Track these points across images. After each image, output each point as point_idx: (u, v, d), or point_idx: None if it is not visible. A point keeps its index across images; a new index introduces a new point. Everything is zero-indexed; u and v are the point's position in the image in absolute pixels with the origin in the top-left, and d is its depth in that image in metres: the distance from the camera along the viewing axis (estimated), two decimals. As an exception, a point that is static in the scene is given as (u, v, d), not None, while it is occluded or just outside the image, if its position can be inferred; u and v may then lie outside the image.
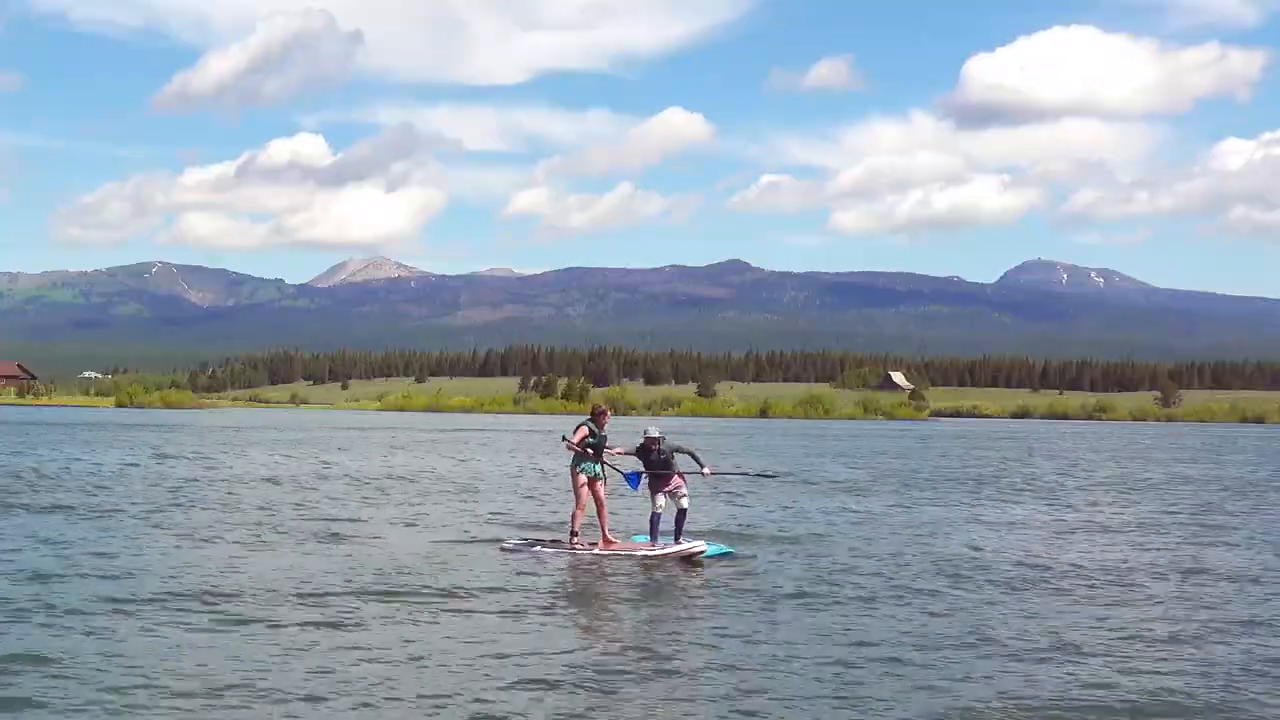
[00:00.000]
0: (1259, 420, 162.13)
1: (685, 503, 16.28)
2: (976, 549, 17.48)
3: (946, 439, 75.74)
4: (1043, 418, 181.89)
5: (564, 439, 16.37)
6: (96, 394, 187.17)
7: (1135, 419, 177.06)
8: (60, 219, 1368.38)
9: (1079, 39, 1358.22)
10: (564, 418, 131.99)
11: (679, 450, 16.33)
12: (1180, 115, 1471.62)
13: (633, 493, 17.60)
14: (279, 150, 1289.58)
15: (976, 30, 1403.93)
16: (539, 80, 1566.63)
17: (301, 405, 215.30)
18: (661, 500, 16.20)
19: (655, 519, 16.26)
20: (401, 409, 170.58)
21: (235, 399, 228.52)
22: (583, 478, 16.12)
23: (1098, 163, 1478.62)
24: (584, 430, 16.14)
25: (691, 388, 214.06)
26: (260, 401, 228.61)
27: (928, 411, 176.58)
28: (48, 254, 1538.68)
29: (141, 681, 8.89)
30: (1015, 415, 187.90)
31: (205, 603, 11.89)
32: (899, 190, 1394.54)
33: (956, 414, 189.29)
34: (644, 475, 16.62)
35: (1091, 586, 14.21)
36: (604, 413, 16.62)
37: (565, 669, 9.56)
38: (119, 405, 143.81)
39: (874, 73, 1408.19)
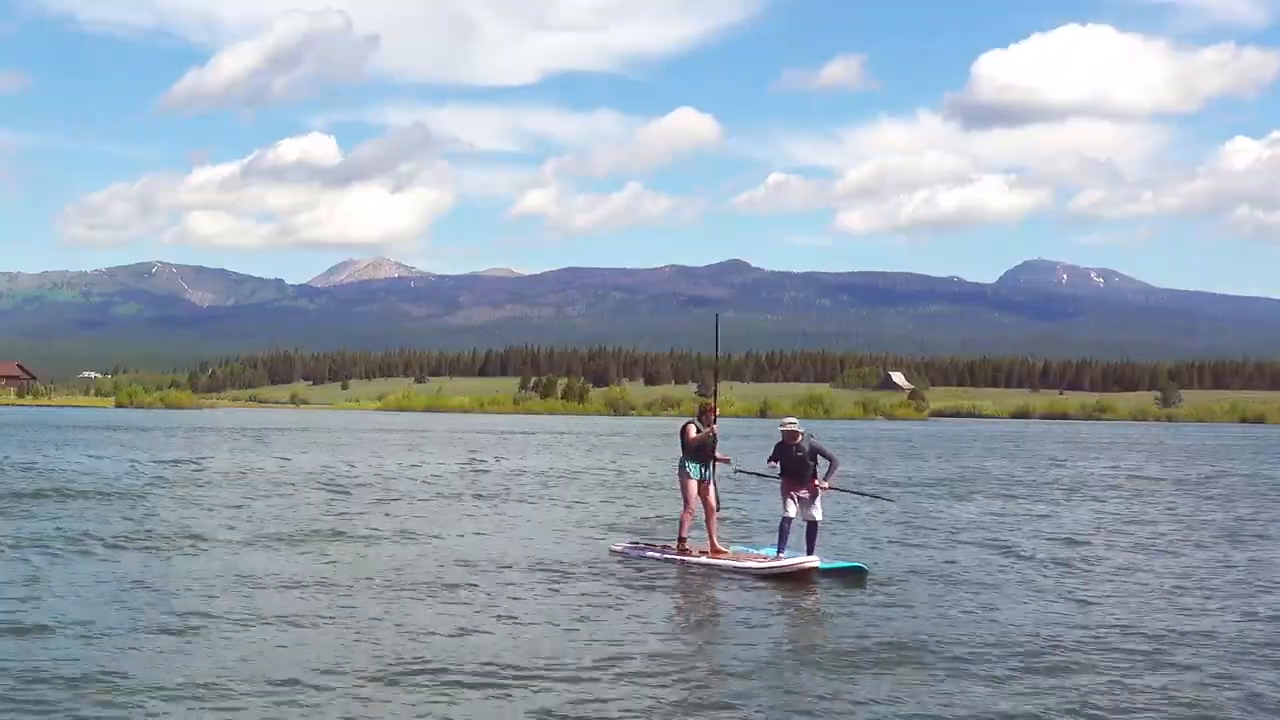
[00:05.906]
0: (1259, 420, 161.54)
1: (818, 514, 14.73)
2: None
3: (991, 440, 75.61)
4: (1043, 417, 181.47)
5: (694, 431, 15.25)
6: (96, 394, 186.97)
7: (1135, 419, 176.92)
8: (65, 219, 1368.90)
9: (1092, 37, 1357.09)
10: (564, 418, 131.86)
11: (820, 452, 14.74)
12: (1189, 115, 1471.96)
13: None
14: (287, 150, 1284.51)
15: (990, 28, 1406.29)
16: (548, 81, 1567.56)
17: (301, 405, 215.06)
18: (793, 506, 14.67)
19: (785, 525, 14.76)
20: (401, 409, 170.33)
21: (235, 399, 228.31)
22: (690, 480, 15.14)
23: (1105, 162, 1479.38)
24: (691, 430, 15.18)
25: (691, 387, 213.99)
26: (259, 402, 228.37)
27: (928, 411, 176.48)
28: (48, 254, 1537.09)
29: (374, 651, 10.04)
30: (1015, 415, 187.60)
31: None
32: (906, 190, 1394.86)
33: (956, 414, 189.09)
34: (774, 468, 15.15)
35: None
36: (711, 409, 15.43)
37: (651, 681, 9.20)
38: (119, 405, 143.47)
39: (885, 71, 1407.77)
